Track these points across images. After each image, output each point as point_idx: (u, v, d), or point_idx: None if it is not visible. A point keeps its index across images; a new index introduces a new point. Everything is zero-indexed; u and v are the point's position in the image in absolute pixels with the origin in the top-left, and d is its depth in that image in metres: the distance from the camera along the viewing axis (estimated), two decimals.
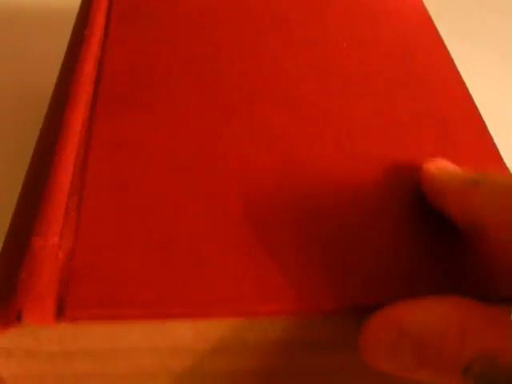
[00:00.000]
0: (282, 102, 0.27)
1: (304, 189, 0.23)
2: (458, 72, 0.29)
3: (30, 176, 0.25)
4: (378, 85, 0.28)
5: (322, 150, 0.25)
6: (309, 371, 0.23)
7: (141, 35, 0.31)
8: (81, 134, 0.25)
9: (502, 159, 0.25)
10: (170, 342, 0.22)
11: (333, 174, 0.24)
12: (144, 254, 0.21)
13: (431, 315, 0.16)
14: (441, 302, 0.17)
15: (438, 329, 0.16)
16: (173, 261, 0.21)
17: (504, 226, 0.17)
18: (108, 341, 0.21)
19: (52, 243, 0.21)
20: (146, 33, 0.31)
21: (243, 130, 0.26)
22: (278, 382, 0.24)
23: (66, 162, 0.24)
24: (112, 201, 0.22)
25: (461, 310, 0.16)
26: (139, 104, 0.27)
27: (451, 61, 0.29)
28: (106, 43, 0.30)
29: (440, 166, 0.22)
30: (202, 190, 0.23)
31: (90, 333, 0.21)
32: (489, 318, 0.16)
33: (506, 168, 0.24)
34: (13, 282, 0.20)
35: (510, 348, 0.14)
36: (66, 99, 0.27)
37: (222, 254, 0.21)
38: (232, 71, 0.29)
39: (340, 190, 0.23)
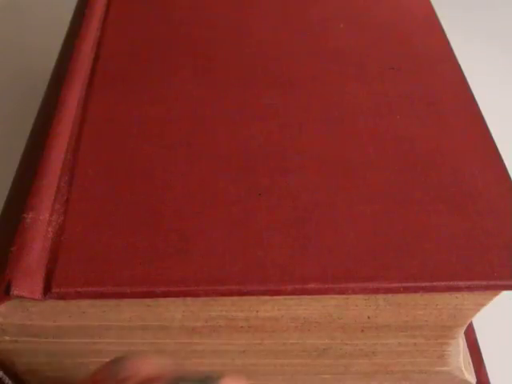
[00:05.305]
0: (276, 82, 0.27)
1: (293, 168, 0.23)
2: (455, 58, 0.28)
3: (27, 153, 0.25)
4: (372, 67, 0.27)
5: (313, 131, 0.24)
6: (299, 349, 0.23)
7: (140, 16, 0.31)
8: (76, 113, 0.25)
9: (494, 142, 0.24)
10: (160, 321, 0.22)
11: (322, 153, 0.23)
12: (132, 233, 0.21)
13: None
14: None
15: None
16: (161, 239, 0.21)
17: None
18: (99, 318, 0.21)
19: (43, 218, 0.21)
20: (145, 13, 0.31)
21: (236, 110, 0.25)
22: (267, 360, 0.24)
23: (60, 140, 0.24)
24: (102, 179, 0.22)
25: None
26: (135, 83, 0.27)
27: (449, 47, 0.29)
28: (105, 23, 0.30)
29: None
30: (191, 168, 0.23)
31: (81, 309, 0.21)
32: None
33: (496, 148, 0.24)
34: (4, 254, 0.20)
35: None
36: (63, 78, 0.27)
37: (210, 233, 0.21)
38: (227, 52, 0.28)
39: (329, 168, 0.23)
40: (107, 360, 0.22)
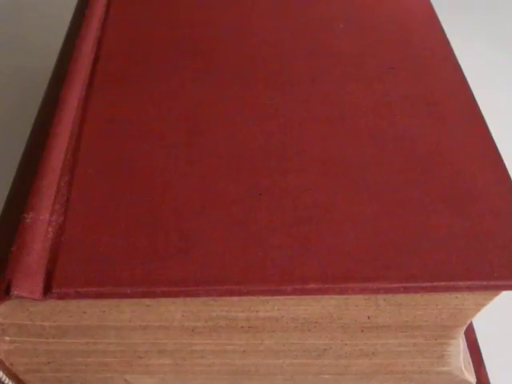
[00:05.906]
0: (276, 82, 0.27)
1: (293, 168, 0.23)
2: (455, 58, 0.28)
3: (27, 153, 0.25)
4: (372, 67, 0.27)
5: (313, 131, 0.24)
6: (299, 350, 0.23)
7: (140, 16, 0.31)
8: (76, 113, 0.25)
9: (494, 142, 0.24)
10: (160, 321, 0.22)
11: (322, 153, 0.23)
12: (132, 233, 0.21)
13: None
14: None
15: None
16: (161, 239, 0.21)
17: None
18: (99, 318, 0.21)
19: (43, 218, 0.21)
20: (145, 13, 0.31)
21: (236, 110, 0.25)
22: (267, 360, 0.24)
23: (60, 140, 0.24)
24: (102, 179, 0.23)
25: None
26: (135, 83, 0.27)
27: (449, 47, 0.29)
28: (105, 23, 0.30)
29: None
30: (191, 168, 0.23)
31: (81, 309, 0.21)
32: None
33: (496, 148, 0.24)
34: (4, 254, 0.20)
35: None
36: (63, 78, 0.27)
37: (210, 233, 0.21)
38: (227, 52, 0.28)
39: (329, 168, 0.23)
40: (107, 360, 0.22)
